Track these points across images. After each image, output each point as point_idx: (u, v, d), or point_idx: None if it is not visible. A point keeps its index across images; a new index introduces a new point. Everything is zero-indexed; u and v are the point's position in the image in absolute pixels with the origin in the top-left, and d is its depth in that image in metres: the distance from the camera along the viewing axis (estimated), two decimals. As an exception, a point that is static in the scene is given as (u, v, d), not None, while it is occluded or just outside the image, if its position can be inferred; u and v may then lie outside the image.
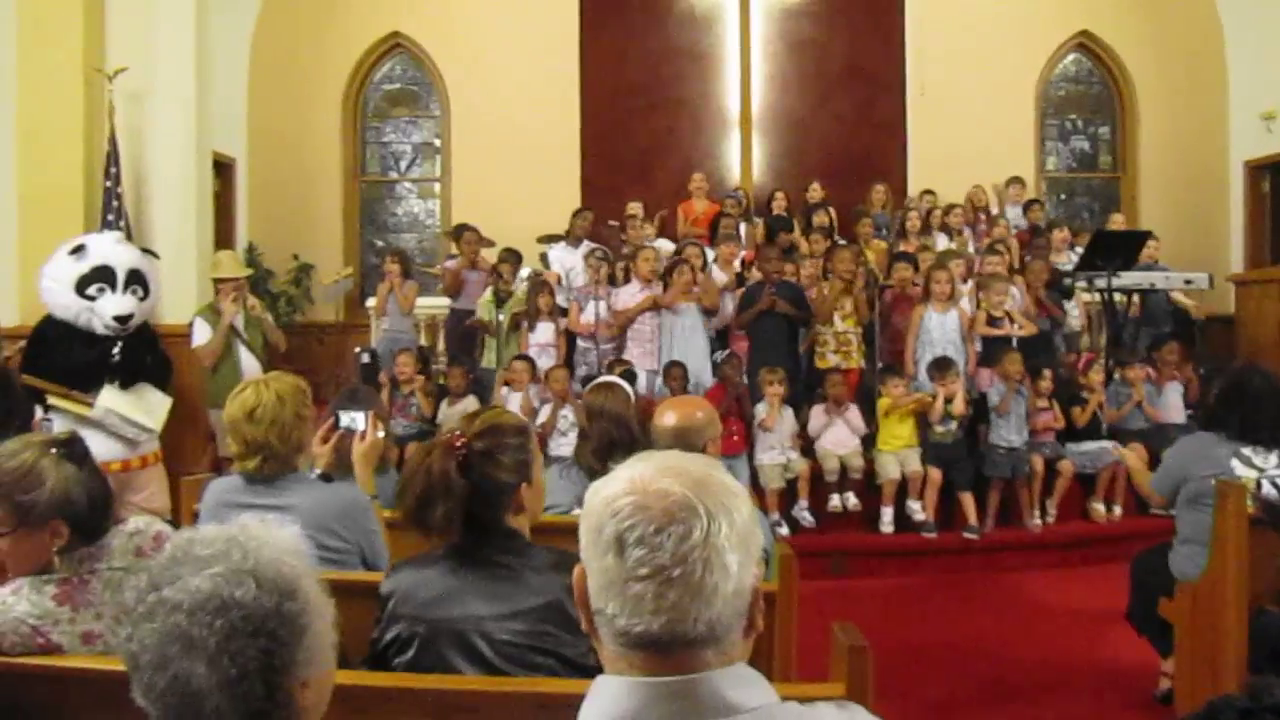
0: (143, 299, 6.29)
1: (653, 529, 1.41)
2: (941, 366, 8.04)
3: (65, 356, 6.11)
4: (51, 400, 6.04)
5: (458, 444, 2.70)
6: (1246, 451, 4.57)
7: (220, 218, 10.76)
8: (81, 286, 6.11)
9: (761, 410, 7.96)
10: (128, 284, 6.21)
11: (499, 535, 2.70)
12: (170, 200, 8.87)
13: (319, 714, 1.67)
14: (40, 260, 7.66)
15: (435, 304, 10.47)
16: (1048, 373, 8.19)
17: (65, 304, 6.12)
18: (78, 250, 6.27)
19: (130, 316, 6.16)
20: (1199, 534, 4.51)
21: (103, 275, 6.16)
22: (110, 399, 6.05)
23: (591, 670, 2.50)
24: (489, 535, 2.69)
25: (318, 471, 3.79)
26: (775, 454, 7.94)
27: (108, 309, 6.10)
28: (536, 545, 2.76)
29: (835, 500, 7.93)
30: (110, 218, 8.32)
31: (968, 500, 7.88)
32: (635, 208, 11.25)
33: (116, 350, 6.17)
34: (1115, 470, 8.05)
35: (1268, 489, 4.39)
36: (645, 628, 1.41)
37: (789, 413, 8.07)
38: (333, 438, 3.92)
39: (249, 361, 7.80)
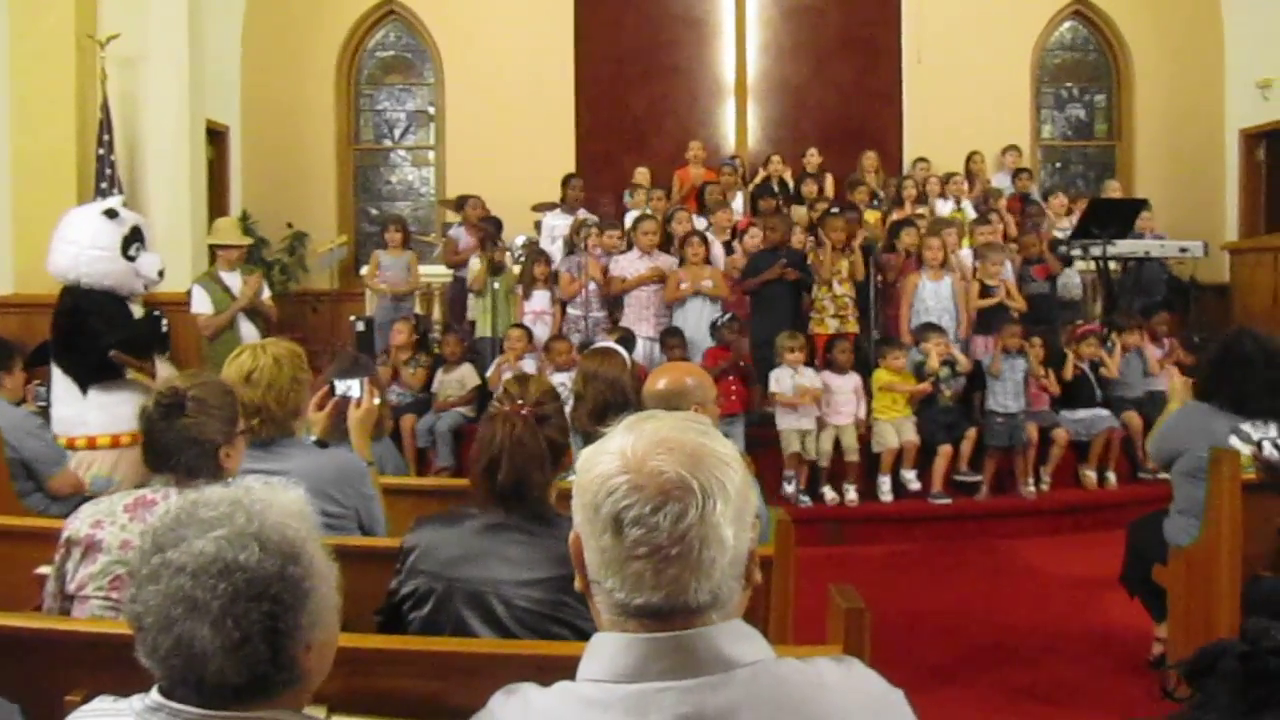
0: None
1: (649, 509, 1.41)
2: (927, 330, 8.09)
3: (117, 329, 6.10)
4: (131, 375, 6.06)
5: (525, 413, 2.76)
6: (1246, 427, 4.53)
7: (214, 185, 10.74)
8: (124, 248, 6.10)
9: (784, 378, 7.90)
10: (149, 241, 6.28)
11: (532, 501, 2.73)
12: (164, 168, 8.86)
13: (322, 676, 1.68)
14: (33, 229, 7.64)
15: (432, 272, 10.47)
16: (1037, 340, 8.19)
17: (114, 270, 6.09)
18: (110, 213, 6.25)
19: (163, 271, 6.22)
20: (1194, 507, 4.50)
21: (138, 235, 6.18)
22: (165, 370, 6.09)
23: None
24: (524, 501, 2.72)
25: (313, 438, 3.80)
26: (803, 419, 7.88)
27: (151, 266, 6.12)
28: (564, 514, 2.79)
29: (831, 494, 7.91)
30: (104, 185, 8.31)
31: (964, 453, 7.94)
32: (642, 175, 11.18)
33: (165, 321, 6.21)
34: (1109, 437, 8.09)
35: (1270, 451, 4.38)
36: (646, 601, 1.42)
37: (807, 375, 7.97)
38: (329, 404, 3.93)
39: (248, 330, 7.80)
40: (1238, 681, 1.60)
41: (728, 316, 8.32)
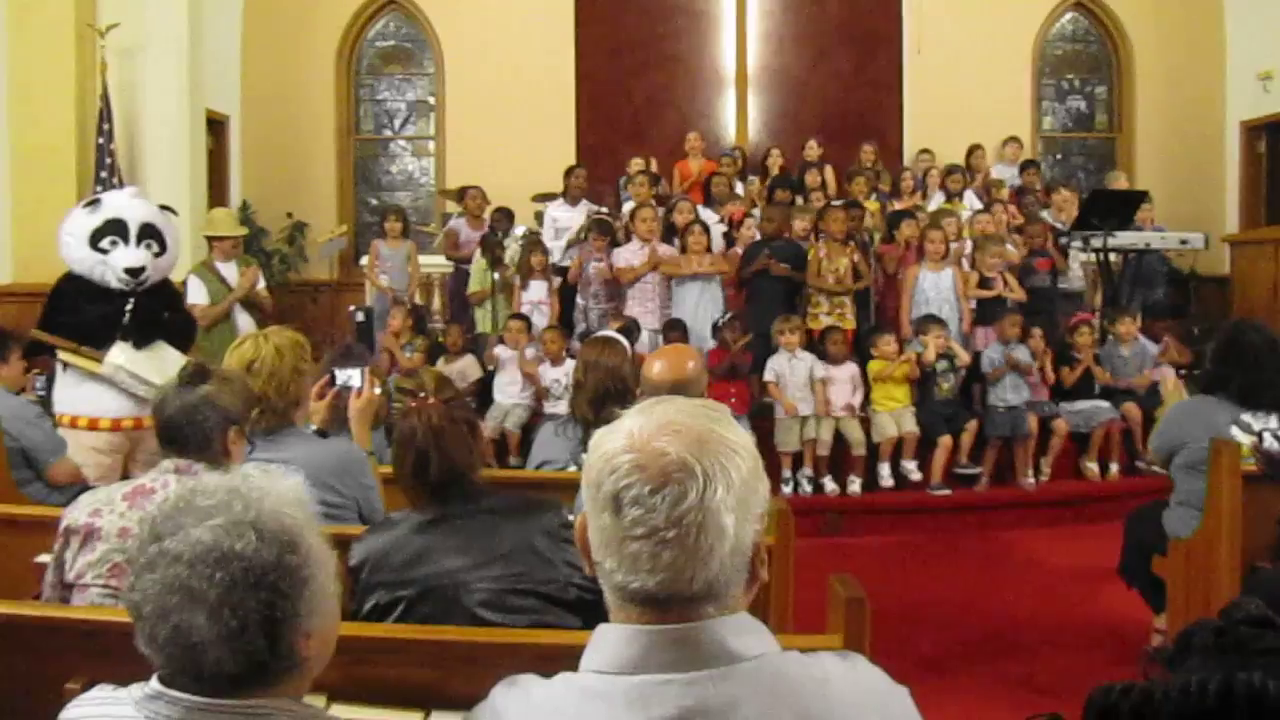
0: (158, 254, 6.21)
1: (648, 490, 1.40)
2: (928, 322, 8.07)
3: (79, 312, 6.06)
4: (62, 355, 6.00)
5: (434, 402, 2.81)
6: (1246, 417, 4.51)
7: (214, 175, 10.73)
8: (95, 239, 6.03)
9: (781, 363, 7.92)
10: (141, 237, 6.13)
11: (466, 484, 2.77)
12: (164, 157, 8.87)
13: (322, 665, 1.68)
14: (33, 218, 7.64)
15: (432, 262, 10.46)
16: (1038, 332, 8.19)
17: (80, 258, 6.05)
18: (92, 204, 6.21)
19: (142, 269, 6.07)
20: (1195, 499, 4.50)
21: (115, 228, 6.08)
22: (120, 356, 6.01)
23: (571, 604, 2.55)
24: (460, 485, 2.76)
25: (314, 427, 3.80)
26: (799, 405, 7.87)
27: (119, 261, 6.03)
28: (488, 490, 2.83)
29: (831, 485, 7.92)
30: (104, 175, 8.31)
31: (964, 446, 7.93)
32: (637, 164, 11.17)
33: (129, 308, 6.12)
34: (1109, 429, 8.08)
35: (1270, 442, 4.36)
36: (642, 585, 1.41)
37: (805, 359, 7.98)
38: (329, 394, 3.93)
39: (244, 321, 7.80)
40: (1210, 653, 1.60)
41: (729, 316, 8.30)
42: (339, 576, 1.69)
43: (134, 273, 6.06)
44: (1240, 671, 1.54)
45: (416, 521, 2.72)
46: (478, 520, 2.70)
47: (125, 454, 6.07)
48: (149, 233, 6.18)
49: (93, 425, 5.90)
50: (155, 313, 6.26)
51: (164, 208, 6.50)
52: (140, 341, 6.10)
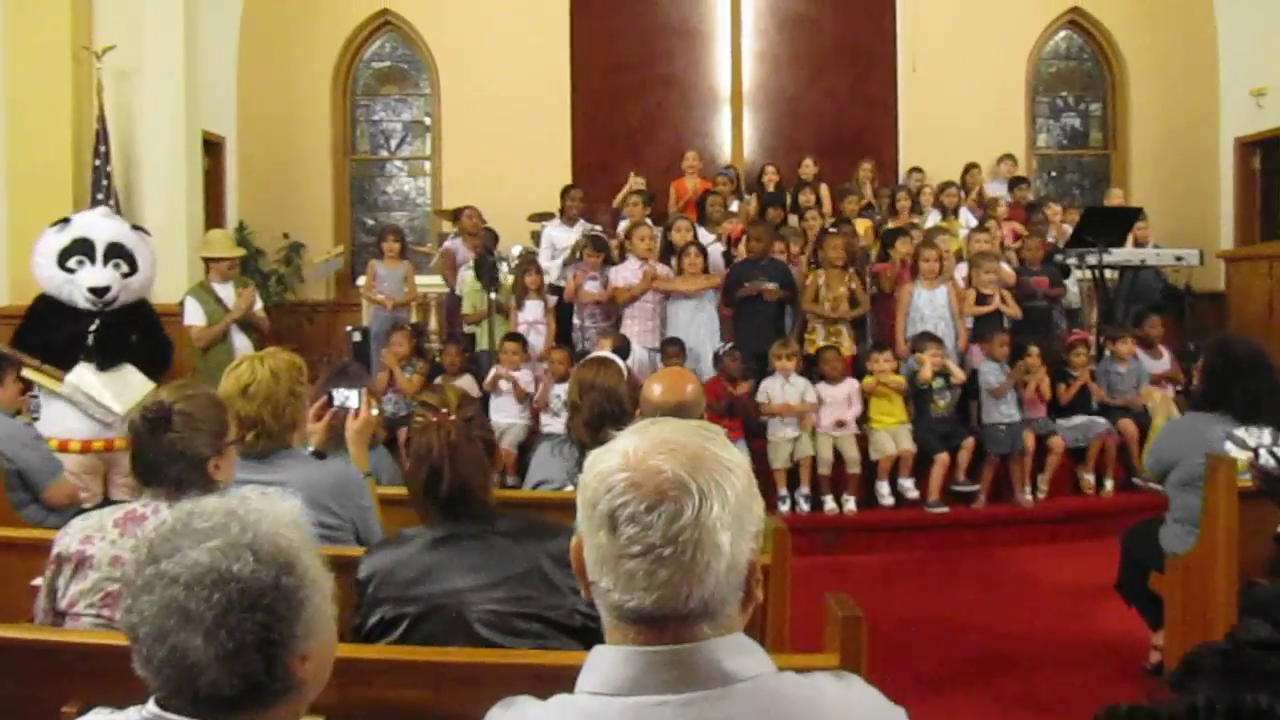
0: (127, 274, 6.19)
1: (644, 507, 1.40)
2: (924, 339, 8.08)
3: (47, 332, 6.06)
4: (26, 372, 5.98)
5: (454, 419, 2.79)
6: (1240, 433, 4.53)
7: (210, 196, 10.72)
8: (62, 259, 6.03)
9: (774, 386, 7.93)
10: (108, 257, 6.12)
11: (476, 504, 2.76)
12: (160, 178, 8.86)
13: (319, 686, 1.68)
14: (28, 240, 7.64)
15: (428, 282, 10.46)
16: (1034, 349, 8.19)
17: (49, 277, 6.06)
18: (62, 223, 6.22)
19: (107, 289, 6.05)
20: (1190, 515, 4.51)
21: (82, 248, 6.07)
22: (80, 377, 6.00)
23: (576, 630, 2.56)
24: (469, 505, 2.75)
25: (311, 448, 3.79)
26: (787, 428, 7.90)
27: (84, 281, 6.03)
28: (499, 511, 2.83)
29: (830, 504, 7.92)
30: (100, 196, 8.31)
31: (961, 463, 7.92)
32: (638, 181, 11.15)
33: (92, 329, 6.11)
34: (1105, 442, 8.08)
35: (1265, 458, 4.36)
36: (638, 604, 1.42)
37: (798, 384, 7.98)
38: (327, 415, 3.92)
39: (241, 342, 7.80)
40: (1218, 676, 1.61)
41: (730, 346, 8.28)
42: (336, 598, 1.69)
43: (99, 292, 6.05)
44: (1248, 693, 1.54)
45: (427, 539, 2.71)
46: (487, 541, 2.69)
47: (101, 475, 6.06)
48: (117, 252, 6.16)
49: (63, 447, 5.87)
50: (122, 335, 6.23)
51: (136, 228, 6.49)
52: (104, 364, 6.07)
